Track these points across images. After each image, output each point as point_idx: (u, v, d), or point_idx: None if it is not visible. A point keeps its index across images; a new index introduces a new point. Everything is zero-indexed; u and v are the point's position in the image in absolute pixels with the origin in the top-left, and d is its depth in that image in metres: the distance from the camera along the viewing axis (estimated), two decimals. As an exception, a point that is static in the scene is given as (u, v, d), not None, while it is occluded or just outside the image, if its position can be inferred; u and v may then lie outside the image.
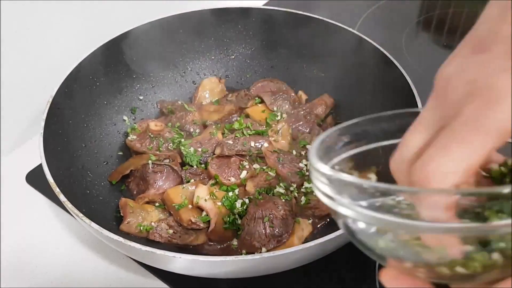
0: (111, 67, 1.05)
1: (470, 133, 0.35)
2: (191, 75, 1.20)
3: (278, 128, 1.05)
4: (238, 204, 0.89)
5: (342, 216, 0.40)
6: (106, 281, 0.89)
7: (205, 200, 0.88)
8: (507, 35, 0.37)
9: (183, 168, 0.98)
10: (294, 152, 1.02)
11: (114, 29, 1.05)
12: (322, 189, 0.40)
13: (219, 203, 0.88)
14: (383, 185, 0.35)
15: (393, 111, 0.49)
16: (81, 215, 0.71)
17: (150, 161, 0.97)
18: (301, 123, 1.07)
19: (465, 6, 1.66)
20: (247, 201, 0.91)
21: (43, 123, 0.85)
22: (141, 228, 0.87)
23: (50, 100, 0.89)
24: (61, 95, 0.92)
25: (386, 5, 1.64)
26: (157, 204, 0.93)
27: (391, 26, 1.56)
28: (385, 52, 1.01)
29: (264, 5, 1.45)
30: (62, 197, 0.73)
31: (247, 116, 1.10)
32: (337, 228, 0.68)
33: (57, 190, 0.74)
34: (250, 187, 0.93)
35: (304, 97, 1.17)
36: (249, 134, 1.03)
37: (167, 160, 0.97)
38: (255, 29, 1.19)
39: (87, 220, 0.70)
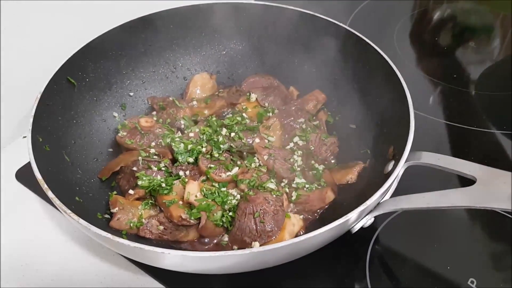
0: (100, 63, 1.05)
1: None
2: (182, 71, 1.20)
3: (270, 124, 1.05)
4: (228, 200, 0.89)
5: None
6: (97, 278, 0.88)
7: (196, 196, 0.88)
8: None
9: (174, 164, 0.97)
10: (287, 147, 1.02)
11: (103, 26, 1.05)
12: None
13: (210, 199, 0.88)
14: None
15: None
16: (69, 211, 0.70)
17: (140, 158, 0.96)
18: (292, 118, 1.07)
19: (458, 1, 1.66)
20: (238, 196, 0.90)
21: (31, 120, 0.84)
22: (131, 224, 0.87)
23: (39, 96, 0.89)
24: (50, 91, 0.92)
25: (378, 0, 1.64)
26: (147, 200, 0.92)
27: (383, 21, 1.56)
28: (376, 47, 1.01)
29: (255, 0, 1.44)
30: (50, 194, 0.73)
31: (239, 111, 1.10)
32: (328, 223, 0.68)
33: (45, 186, 0.74)
34: (241, 183, 0.93)
35: (295, 92, 1.17)
36: (240, 130, 1.03)
37: (157, 157, 0.97)
38: (246, 24, 1.18)
39: (75, 217, 0.69)
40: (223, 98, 1.13)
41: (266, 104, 1.12)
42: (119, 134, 1.03)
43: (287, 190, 0.93)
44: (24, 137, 1.17)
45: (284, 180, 0.96)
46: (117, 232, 0.86)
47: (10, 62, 1.09)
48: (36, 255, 0.92)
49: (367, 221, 0.81)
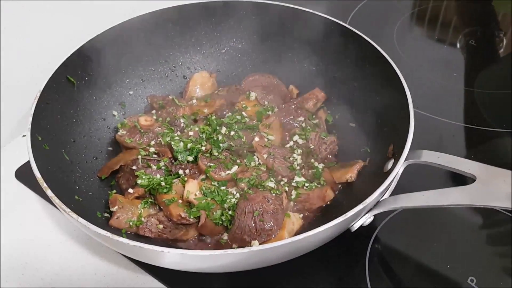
0: (99, 61, 1.05)
1: None
2: (181, 70, 1.20)
3: (269, 123, 1.04)
4: (228, 198, 0.89)
5: None
6: (96, 277, 0.88)
7: (195, 195, 0.88)
8: None
9: (174, 163, 0.97)
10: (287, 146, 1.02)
11: (102, 24, 1.04)
12: None
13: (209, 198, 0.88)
14: None
15: None
16: (68, 210, 0.70)
17: (139, 156, 0.96)
18: (292, 117, 1.07)
19: (458, 0, 1.66)
20: (237, 195, 0.90)
21: (30, 118, 0.84)
22: (131, 223, 0.87)
23: (38, 95, 0.89)
24: (49, 90, 0.91)
25: (378, -1, 1.64)
26: (147, 199, 0.92)
27: (383, 20, 1.55)
28: (376, 46, 1.00)
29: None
30: (49, 192, 0.73)
31: (238, 110, 1.10)
32: (327, 221, 0.68)
33: (44, 185, 0.73)
34: (240, 181, 0.93)
35: (295, 91, 1.17)
36: (240, 129, 1.03)
37: (157, 155, 0.97)
38: (246, 23, 1.18)
39: (74, 215, 0.69)
40: (222, 97, 1.13)
41: (266, 103, 1.12)
42: (119, 133, 1.03)
43: (286, 188, 0.93)
44: (24, 136, 1.17)
45: (283, 178, 0.96)
46: (117, 231, 0.86)
47: (9, 61, 1.09)
48: (36, 254, 0.92)
49: (367, 219, 0.81)
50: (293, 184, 0.94)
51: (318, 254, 0.79)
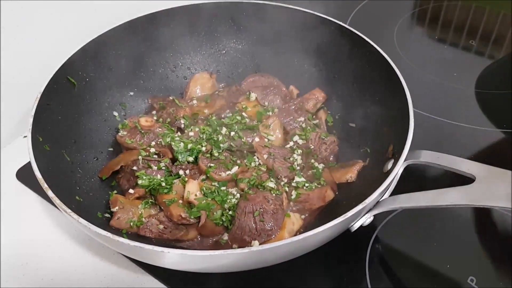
0: (100, 62, 1.05)
1: None
2: (182, 70, 1.20)
3: (269, 123, 1.05)
4: (228, 199, 0.89)
5: None
6: (97, 277, 0.89)
7: (196, 195, 0.88)
8: None
9: (174, 163, 0.97)
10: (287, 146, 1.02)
11: (103, 25, 1.05)
12: None
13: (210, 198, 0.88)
14: None
15: None
16: (69, 210, 0.70)
17: (140, 157, 0.96)
18: (292, 117, 1.07)
19: (458, 0, 1.66)
20: (238, 195, 0.91)
21: (31, 119, 0.84)
22: (132, 223, 0.87)
23: (39, 96, 0.89)
24: (50, 91, 0.92)
25: (379, -1, 1.64)
26: (147, 199, 0.93)
27: (383, 20, 1.55)
28: (376, 46, 1.00)
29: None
30: (50, 193, 0.73)
31: (238, 111, 1.10)
32: (327, 222, 0.68)
33: (45, 186, 0.74)
34: (241, 182, 0.93)
35: (295, 91, 1.17)
36: (240, 129, 1.03)
37: (157, 156, 0.97)
38: (246, 24, 1.19)
39: (75, 216, 0.70)
40: (223, 97, 1.14)
41: (266, 103, 1.12)
42: (119, 134, 1.04)
43: (286, 189, 0.93)
44: (25, 136, 1.17)
45: (283, 179, 0.96)
46: (117, 231, 0.86)
47: (10, 61, 1.10)
48: (36, 255, 0.93)
49: (366, 219, 0.82)
50: (293, 184, 0.95)
51: (318, 254, 0.79)
